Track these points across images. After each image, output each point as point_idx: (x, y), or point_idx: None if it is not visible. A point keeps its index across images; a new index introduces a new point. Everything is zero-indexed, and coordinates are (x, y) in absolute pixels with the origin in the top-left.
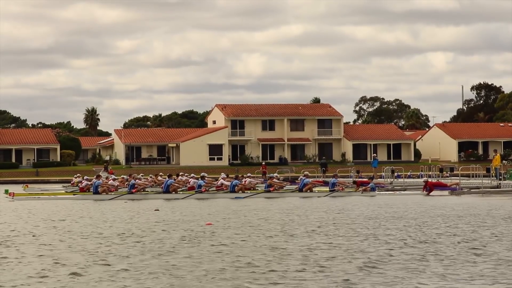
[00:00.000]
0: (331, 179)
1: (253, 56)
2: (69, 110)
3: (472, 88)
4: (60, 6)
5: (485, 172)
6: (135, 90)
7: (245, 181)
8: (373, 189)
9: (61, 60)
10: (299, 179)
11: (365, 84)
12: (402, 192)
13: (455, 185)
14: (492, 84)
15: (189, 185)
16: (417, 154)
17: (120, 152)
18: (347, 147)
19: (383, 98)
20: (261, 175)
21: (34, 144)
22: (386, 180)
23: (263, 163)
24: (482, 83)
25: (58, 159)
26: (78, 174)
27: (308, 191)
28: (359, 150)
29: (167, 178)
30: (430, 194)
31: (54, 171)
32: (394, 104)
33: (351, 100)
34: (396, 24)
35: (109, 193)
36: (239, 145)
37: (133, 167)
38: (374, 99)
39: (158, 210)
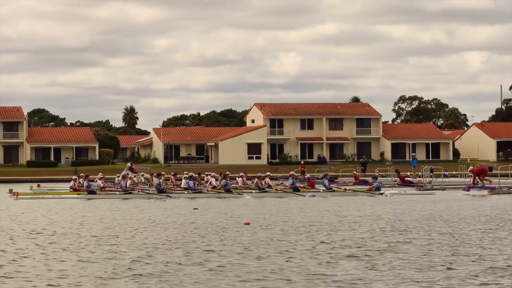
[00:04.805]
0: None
1: (289, 55)
2: (105, 108)
3: (511, 88)
4: (95, 5)
5: None
6: (172, 89)
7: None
8: (378, 189)
9: (97, 59)
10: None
11: (401, 83)
12: (443, 191)
13: (494, 185)
14: None
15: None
16: (456, 153)
17: (158, 151)
18: (386, 146)
19: (422, 98)
20: (300, 174)
21: (73, 142)
22: (424, 179)
23: (302, 162)
24: None
25: (97, 158)
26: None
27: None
28: (398, 150)
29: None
30: (469, 193)
31: (92, 170)
32: (432, 103)
33: (388, 99)
34: (431, 23)
35: (133, 193)
36: (277, 144)
37: (172, 166)
38: (413, 98)
39: (197, 209)
